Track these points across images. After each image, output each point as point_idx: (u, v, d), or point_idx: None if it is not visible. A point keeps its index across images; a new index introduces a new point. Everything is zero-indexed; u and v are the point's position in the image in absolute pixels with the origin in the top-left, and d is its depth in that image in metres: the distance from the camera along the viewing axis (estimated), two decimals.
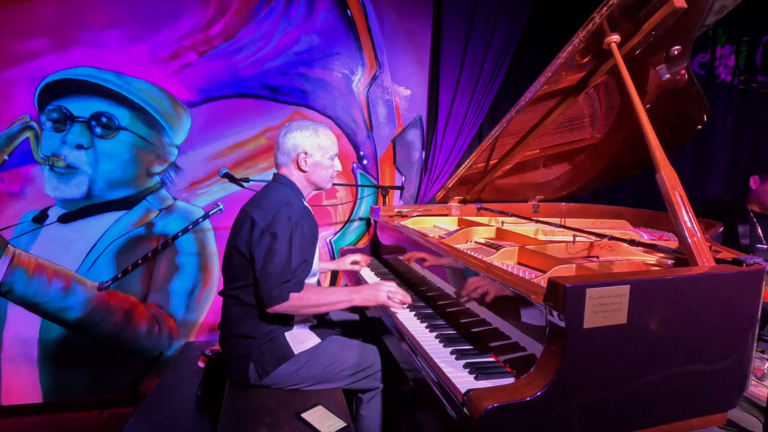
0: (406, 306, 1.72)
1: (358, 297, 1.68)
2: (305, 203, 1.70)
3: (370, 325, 1.96)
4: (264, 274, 1.50)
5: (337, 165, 1.77)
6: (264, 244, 1.52)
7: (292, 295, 1.51)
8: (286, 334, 1.63)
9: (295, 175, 1.71)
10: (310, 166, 1.70)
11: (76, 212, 2.48)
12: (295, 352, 1.60)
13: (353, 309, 2.12)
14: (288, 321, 1.65)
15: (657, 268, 1.50)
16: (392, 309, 1.69)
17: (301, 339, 1.64)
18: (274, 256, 1.50)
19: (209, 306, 2.71)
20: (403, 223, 2.34)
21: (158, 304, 2.64)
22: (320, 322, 1.77)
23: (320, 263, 2.22)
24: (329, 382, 1.63)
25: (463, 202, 2.67)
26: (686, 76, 1.74)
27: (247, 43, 2.59)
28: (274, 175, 1.74)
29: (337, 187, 2.86)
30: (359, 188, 2.92)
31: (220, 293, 1.70)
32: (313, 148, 1.68)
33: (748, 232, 2.52)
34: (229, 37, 2.56)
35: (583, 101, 2.02)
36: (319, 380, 1.62)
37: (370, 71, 2.81)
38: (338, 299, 1.66)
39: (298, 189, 1.71)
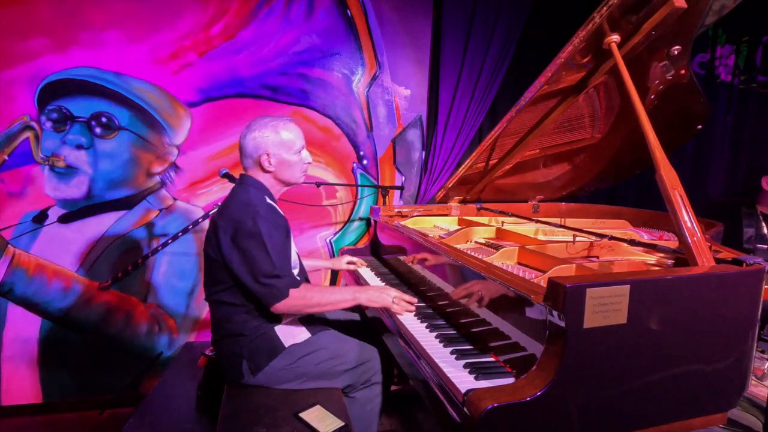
0: (412, 310, 1.67)
1: (363, 296, 1.64)
2: (269, 201, 1.61)
3: (369, 325, 1.95)
4: (253, 280, 1.49)
5: (306, 156, 1.69)
6: (239, 255, 1.49)
7: (293, 292, 1.50)
8: (276, 328, 1.61)
9: (261, 176, 1.65)
10: (275, 166, 1.63)
11: (76, 212, 2.48)
12: (286, 345, 1.58)
13: (353, 308, 2.12)
14: (277, 316, 1.61)
15: (657, 268, 1.50)
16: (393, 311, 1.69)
17: (292, 333, 1.62)
18: (254, 260, 1.47)
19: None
20: (403, 223, 2.34)
21: (158, 304, 2.63)
22: (313, 319, 1.74)
23: (316, 261, 2.26)
24: (326, 378, 1.61)
25: (463, 202, 2.67)
26: (686, 75, 1.74)
27: (247, 43, 2.59)
28: (240, 175, 1.68)
29: (337, 187, 2.86)
30: (359, 188, 2.92)
31: (206, 299, 1.68)
32: (275, 147, 1.61)
33: (754, 235, 2.47)
34: (229, 37, 2.56)
35: (583, 101, 2.02)
36: (315, 376, 1.60)
37: (370, 71, 2.81)
38: (342, 297, 1.62)
39: (264, 187, 1.64)
